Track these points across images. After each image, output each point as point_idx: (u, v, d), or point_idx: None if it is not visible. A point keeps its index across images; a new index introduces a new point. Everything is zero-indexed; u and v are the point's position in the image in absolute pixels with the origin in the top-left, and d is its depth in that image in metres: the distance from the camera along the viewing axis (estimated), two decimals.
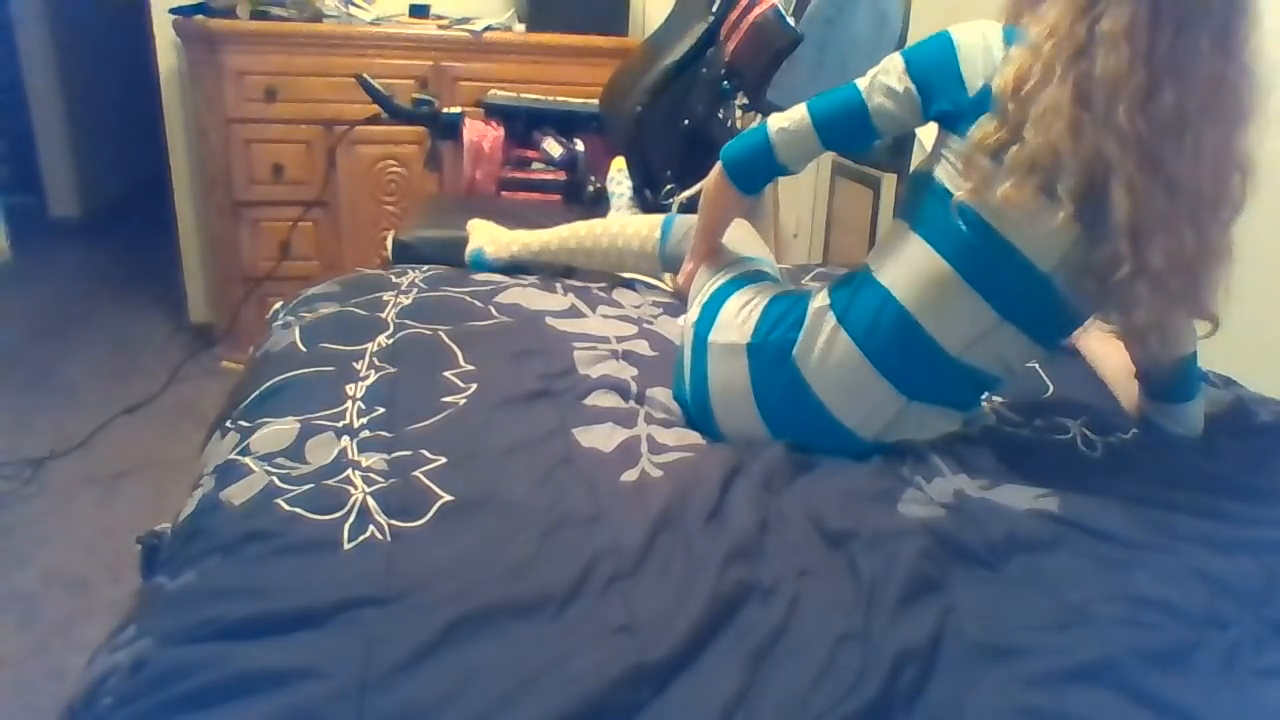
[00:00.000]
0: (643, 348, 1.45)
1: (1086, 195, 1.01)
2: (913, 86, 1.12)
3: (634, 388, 1.30)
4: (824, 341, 1.18)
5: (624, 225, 1.71)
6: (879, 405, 1.17)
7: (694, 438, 1.22)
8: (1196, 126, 0.99)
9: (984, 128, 1.05)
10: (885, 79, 1.15)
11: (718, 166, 1.31)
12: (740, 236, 1.48)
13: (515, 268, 1.80)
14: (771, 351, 1.21)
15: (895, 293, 1.14)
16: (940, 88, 1.11)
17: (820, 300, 1.21)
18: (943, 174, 1.11)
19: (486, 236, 1.85)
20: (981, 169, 1.05)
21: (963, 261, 1.10)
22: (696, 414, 1.28)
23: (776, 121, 1.23)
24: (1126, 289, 1.02)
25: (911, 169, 2.28)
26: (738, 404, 1.23)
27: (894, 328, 1.14)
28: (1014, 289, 1.10)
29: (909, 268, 1.13)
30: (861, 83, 1.17)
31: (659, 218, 1.65)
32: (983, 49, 1.09)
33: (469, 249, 1.84)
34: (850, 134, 1.22)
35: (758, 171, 1.29)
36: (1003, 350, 1.15)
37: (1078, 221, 1.02)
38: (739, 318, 1.25)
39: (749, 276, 1.33)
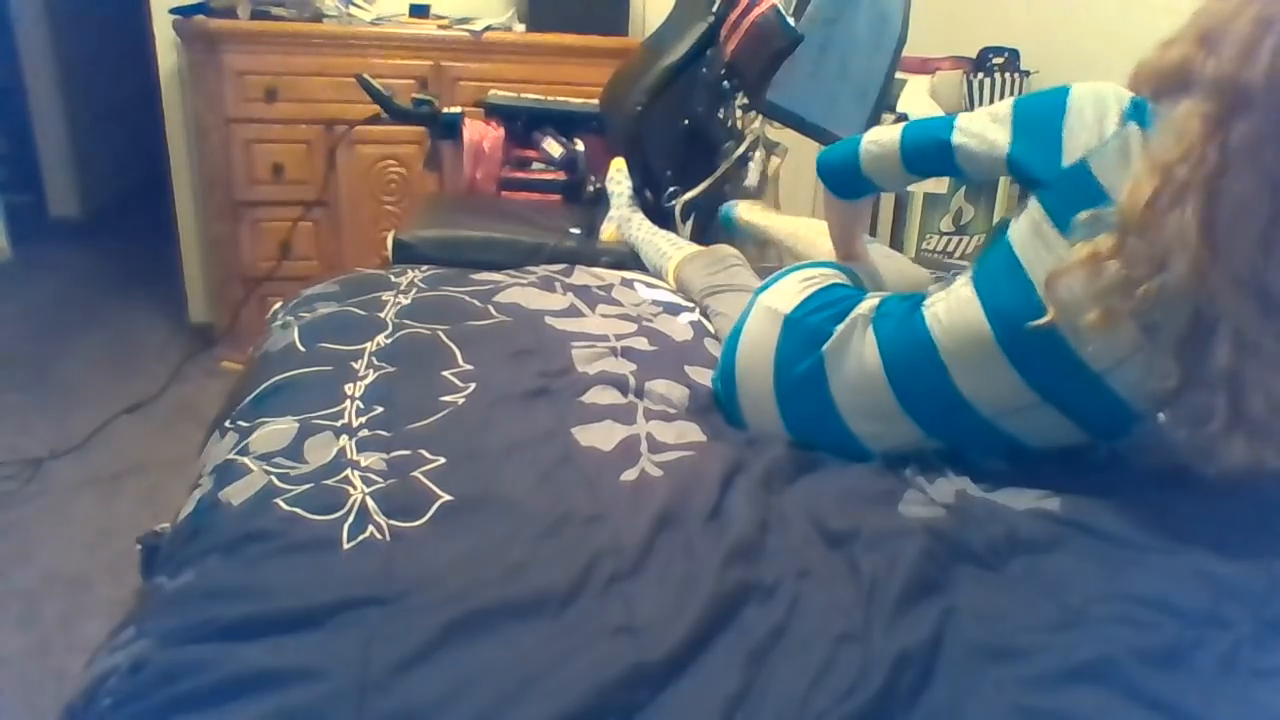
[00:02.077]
0: (642, 344, 1.45)
1: (1189, 339, 0.91)
2: (1004, 138, 1.03)
3: (633, 382, 1.30)
4: (855, 353, 1.14)
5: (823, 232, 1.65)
6: (897, 434, 1.15)
7: (695, 435, 1.21)
8: None
9: (1097, 247, 0.93)
10: (982, 123, 1.06)
11: None
12: (878, 252, 1.46)
13: (745, 235, 1.96)
14: (804, 332, 1.18)
15: (938, 343, 1.09)
16: (1035, 144, 1.00)
17: (865, 307, 1.16)
18: (1025, 248, 1.01)
19: (746, 203, 1.99)
20: (1074, 289, 0.94)
21: (1015, 347, 1.03)
22: (723, 365, 1.28)
23: (872, 134, 1.18)
24: (1220, 440, 0.93)
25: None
26: (757, 367, 1.22)
27: (930, 377, 1.09)
28: (1064, 383, 1.02)
29: (959, 327, 1.07)
30: (962, 117, 1.09)
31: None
32: (1095, 117, 0.97)
33: (726, 204, 2.03)
34: (934, 166, 1.17)
35: (847, 179, 1.23)
36: (1044, 426, 1.08)
37: (1175, 363, 0.93)
38: (795, 288, 1.23)
39: (838, 267, 1.30)
